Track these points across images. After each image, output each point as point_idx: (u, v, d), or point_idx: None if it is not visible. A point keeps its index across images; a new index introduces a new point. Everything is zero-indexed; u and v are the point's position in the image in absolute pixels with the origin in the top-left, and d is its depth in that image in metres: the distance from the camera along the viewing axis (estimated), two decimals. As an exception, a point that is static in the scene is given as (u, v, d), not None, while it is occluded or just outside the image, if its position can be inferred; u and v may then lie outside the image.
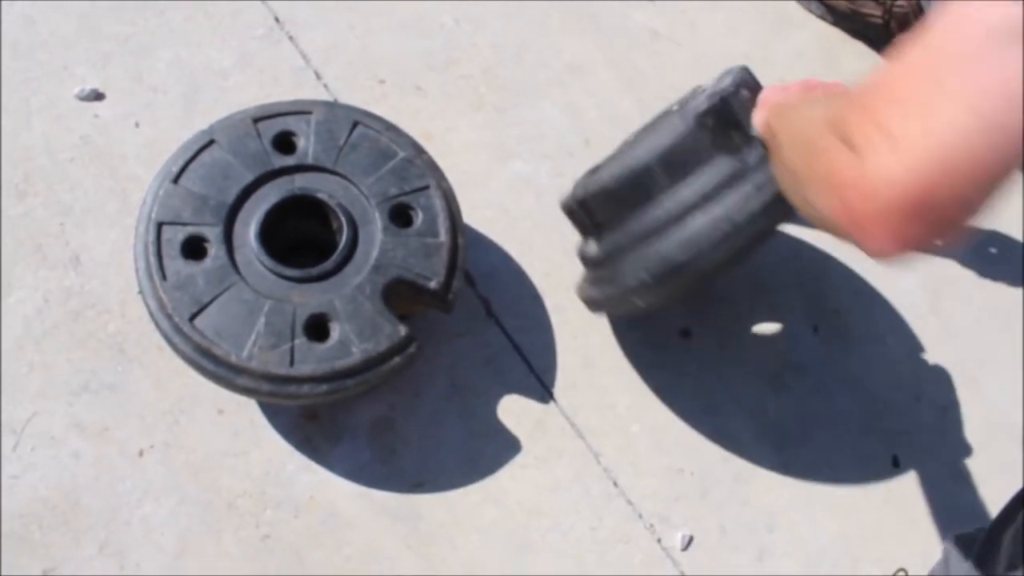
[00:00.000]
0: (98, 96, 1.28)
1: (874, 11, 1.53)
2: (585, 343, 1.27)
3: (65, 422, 1.13)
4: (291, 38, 1.37)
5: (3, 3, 1.31)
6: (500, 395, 1.22)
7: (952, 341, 1.36)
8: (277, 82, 1.34)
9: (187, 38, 1.35)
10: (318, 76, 1.35)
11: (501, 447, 1.19)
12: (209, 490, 1.12)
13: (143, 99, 1.29)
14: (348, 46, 1.39)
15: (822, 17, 1.61)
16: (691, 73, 1.51)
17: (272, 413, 1.16)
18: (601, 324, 1.28)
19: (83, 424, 1.13)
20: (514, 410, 1.22)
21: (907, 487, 1.28)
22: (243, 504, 1.12)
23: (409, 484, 1.16)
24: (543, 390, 1.23)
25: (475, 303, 1.27)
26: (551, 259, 1.31)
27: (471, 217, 1.31)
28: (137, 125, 1.28)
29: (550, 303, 1.28)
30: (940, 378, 1.34)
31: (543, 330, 1.27)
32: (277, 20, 1.38)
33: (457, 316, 1.22)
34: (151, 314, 1.05)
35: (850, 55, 1.59)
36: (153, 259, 1.06)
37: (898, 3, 1.50)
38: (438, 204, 1.14)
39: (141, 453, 1.13)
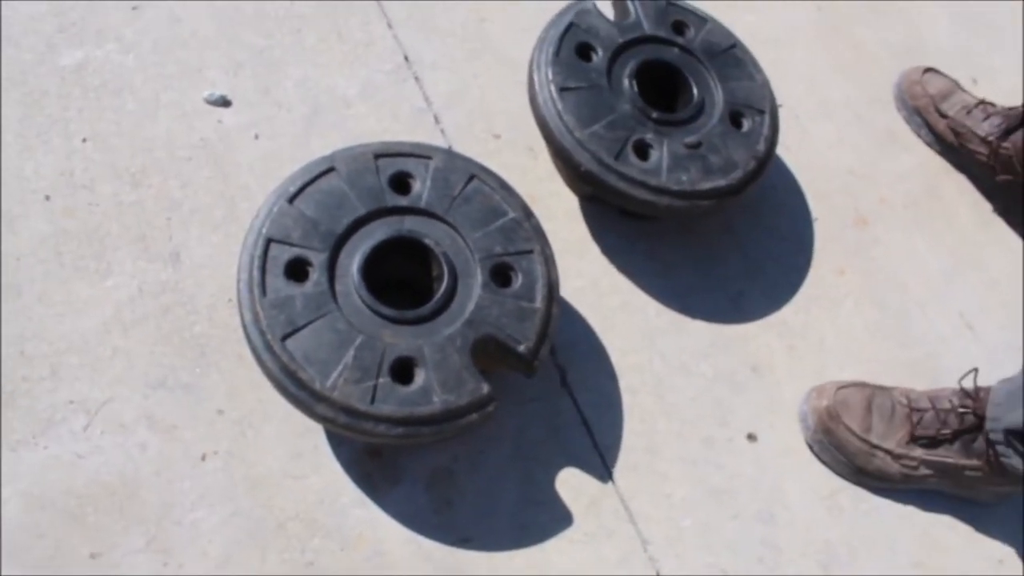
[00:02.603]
0: (225, 102, 1.31)
1: (980, 148, 1.54)
2: (652, 428, 1.27)
3: (137, 413, 1.14)
4: (417, 78, 1.39)
5: (155, 1, 1.35)
6: (561, 466, 1.22)
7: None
8: (396, 119, 1.36)
9: (318, 60, 1.38)
10: (437, 120, 1.38)
11: (553, 518, 1.19)
12: (263, 507, 1.12)
13: (266, 112, 1.32)
14: (470, 95, 1.41)
15: (929, 144, 1.62)
16: (801, 175, 1.53)
17: (336, 443, 1.17)
18: (670, 413, 1.28)
19: (154, 418, 1.14)
20: (572, 483, 1.21)
21: (950, 636, 1.26)
22: (293, 527, 1.12)
23: (458, 538, 1.15)
24: (603, 468, 1.23)
25: (552, 371, 1.27)
26: (631, 340, 1.32)
27: (564, 283, 1.31)
28: (256, 137, 1.30)
29: (624, 383, 1.28)
30: (1001, 528, 1.32)
31: (613, 409, 1.27)
32: (406, 58, 1.40)
33: (532, 381, 1.23)
34: (244, 326, 1.06)
35: (951, 187, 1.60)
36: (257, 273, 1.07)
37: (1004, 145, 1.51)
38: (539, 270, 1.15)
39: (204, 457, 1.13)
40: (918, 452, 1.28)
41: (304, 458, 1.16)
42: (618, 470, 1.23)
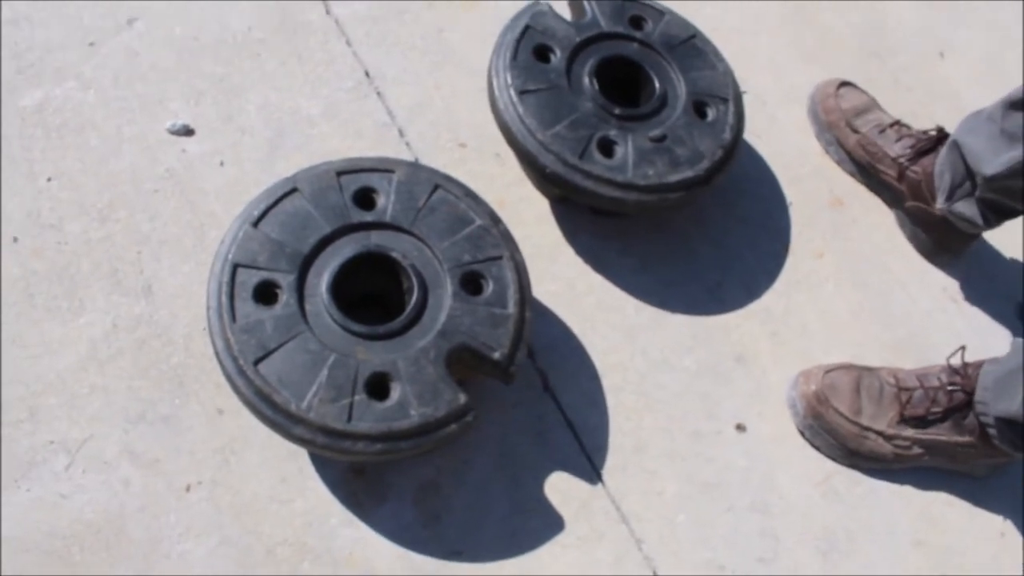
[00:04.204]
0: (188, 131, 1.31)
1: (889, 169, 1.47)
2: (639, 426, 1.26)
3: (119, 448, 1.14)
4: (379, 93, 1.39)
5: (112, 36, 1.35)
6: (548, 471, 1.21)
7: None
8: (361, 135, 1.36)
9: (279, 83, 1.38)
10: (401, 133, 1.38)
11: (544, 524, 1.18)
12: (250, 534, 1.12)
13: (230, 139, 1.32)
14: (433, 106, 1.41)
15: (839, 162, 1.55)
16: (773, 161, 1.52)
17: (321, 464, 1.16)
18: (656, 409, 1.27)
19: (136, 452, 1.14)
20: (561, 488, 1.20)
21: (955, 612, 1.24)
22: (282, 552, 1.11)
23: (449, 551, 1.14)
24: (592, 470, 1.22)
25: (533, 375, 1.26)
26: (612, 338, 1.31)
27: (537, 289, 1.31)
28: (222, 164, 1.30)
29: (607, 383, 1.28)
30: (999, 501, 1.31)
31: (598, 409, 1.26)
32: (367, 74, 1.40)
33: (513, 387, 1.22)
34: (216, 354, 1.06)
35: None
36: (225, 299, 1.07)
37: (913, 168, 1.44)
38: (509, 275, 1.14)
39: (188, 488, 1.13)
40: (909, 432, 1.27)
41: (289, 482, 1.15)
42: (607, 471, 1.22)
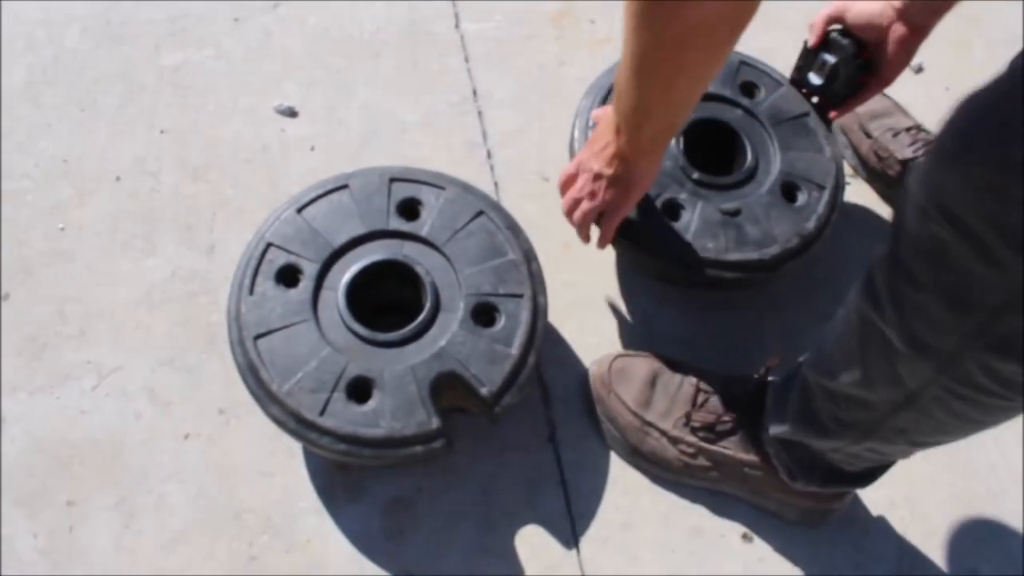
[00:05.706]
0: (292, 113, 1.40)
1: (893, 169, 1.36)
2: (635, 504, 1.19)
3: (141, 384, 1.23)
4: (480, 113, 1.41)
5: (256, 15, 1.46)
6: (526, 522, 1.17)
7: None
8: (449, 149, 1.38)
9: (388, 85, 1.43)
10: (489, 155, 1.38)
11: (504, 572, 1.14)
12: (226, 494, 1.17)
13: (327, 128, 1.39)
14: (529, 136, 1.41)
15: (855, 169, 1.45)
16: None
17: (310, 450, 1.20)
18: (660, 493, 1.19)
19: (154, 391, 1.22)
20: (534, 542, 1.16)
21: None
22: (247, 519, 1.16)
23: (401, 569, 1.14)
24: (571, 535, 1.17)
25: (541, 424, 1.23)
26: (636, 407, 1.25)
27: (578, 338, 1.28)
28: (312, 149, 1.37)
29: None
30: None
31: (598, 475, 1.20)
32: (475, 92, 1.42)
33: (518, 430, 1.21)
34: (228, 320, 1.12)
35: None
36: (250, 272, 1.13)
37: None
38: (524, 316, 1.12)
39: (187, 437, 1.20)
40: (693, 438, 1.13)
41: (276, 457, 1.20)
42: (586, 540, 1.17)
